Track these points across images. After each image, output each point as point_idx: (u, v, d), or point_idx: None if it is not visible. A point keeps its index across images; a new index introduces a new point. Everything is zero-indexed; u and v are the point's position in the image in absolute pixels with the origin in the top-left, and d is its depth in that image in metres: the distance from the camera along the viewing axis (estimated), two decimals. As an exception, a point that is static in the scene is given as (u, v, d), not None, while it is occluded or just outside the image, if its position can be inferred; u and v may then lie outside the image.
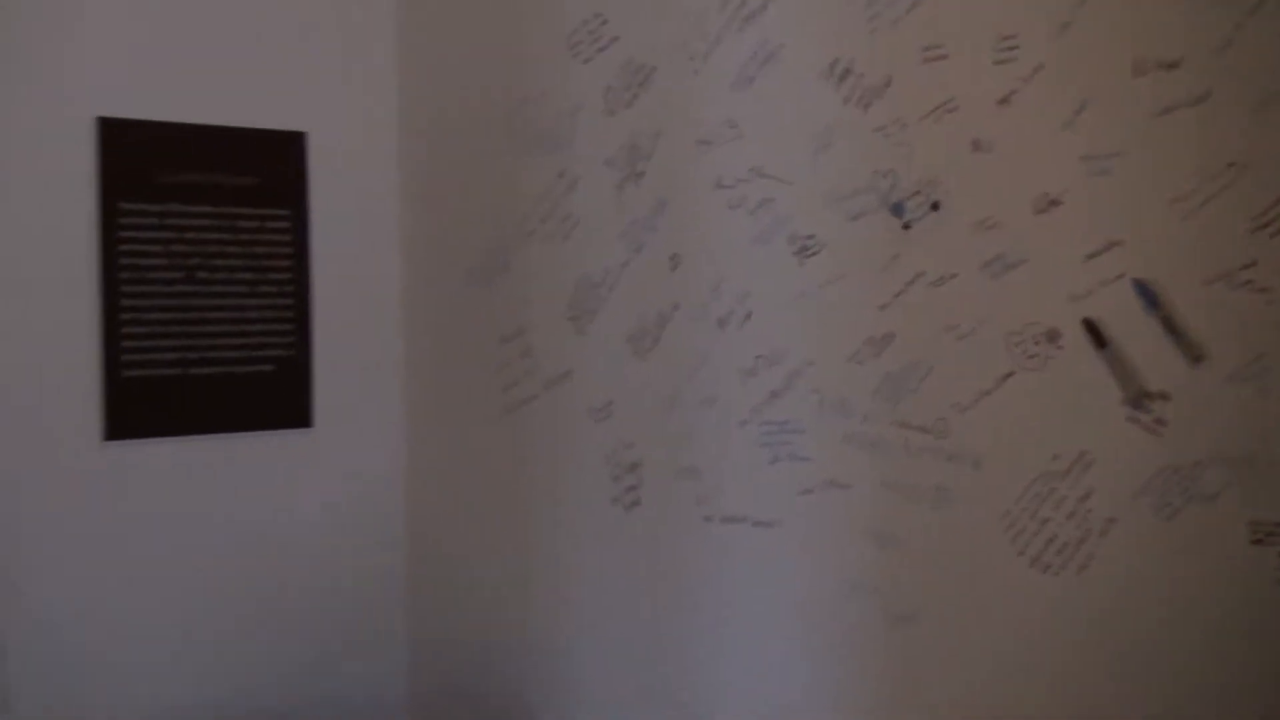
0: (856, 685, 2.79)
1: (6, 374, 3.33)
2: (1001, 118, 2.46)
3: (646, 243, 3.19)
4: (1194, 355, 2.20)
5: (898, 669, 2.71)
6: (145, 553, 3.53)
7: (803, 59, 2.83)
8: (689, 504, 3.12)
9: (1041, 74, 2.41)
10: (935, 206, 2.59)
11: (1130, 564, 2.29)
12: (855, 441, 2.75)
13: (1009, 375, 2.47)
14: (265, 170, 3.68)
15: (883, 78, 2.67)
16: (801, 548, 2.88)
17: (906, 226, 2.63)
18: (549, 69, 3.41)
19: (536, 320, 3.48)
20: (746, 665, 3.01)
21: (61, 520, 3.41)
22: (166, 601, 3.57)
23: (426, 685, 3.91)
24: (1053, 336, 2.40)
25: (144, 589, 3.53)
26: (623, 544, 3.29)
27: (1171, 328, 2.23)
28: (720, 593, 3.07)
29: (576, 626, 3.44)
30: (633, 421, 3.26)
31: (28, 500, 3.38)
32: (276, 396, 3.73)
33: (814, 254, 2.82)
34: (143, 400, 3.52)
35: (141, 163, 3.50)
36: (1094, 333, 2.34)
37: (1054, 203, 2.39)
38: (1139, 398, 2.28)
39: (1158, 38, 2.20)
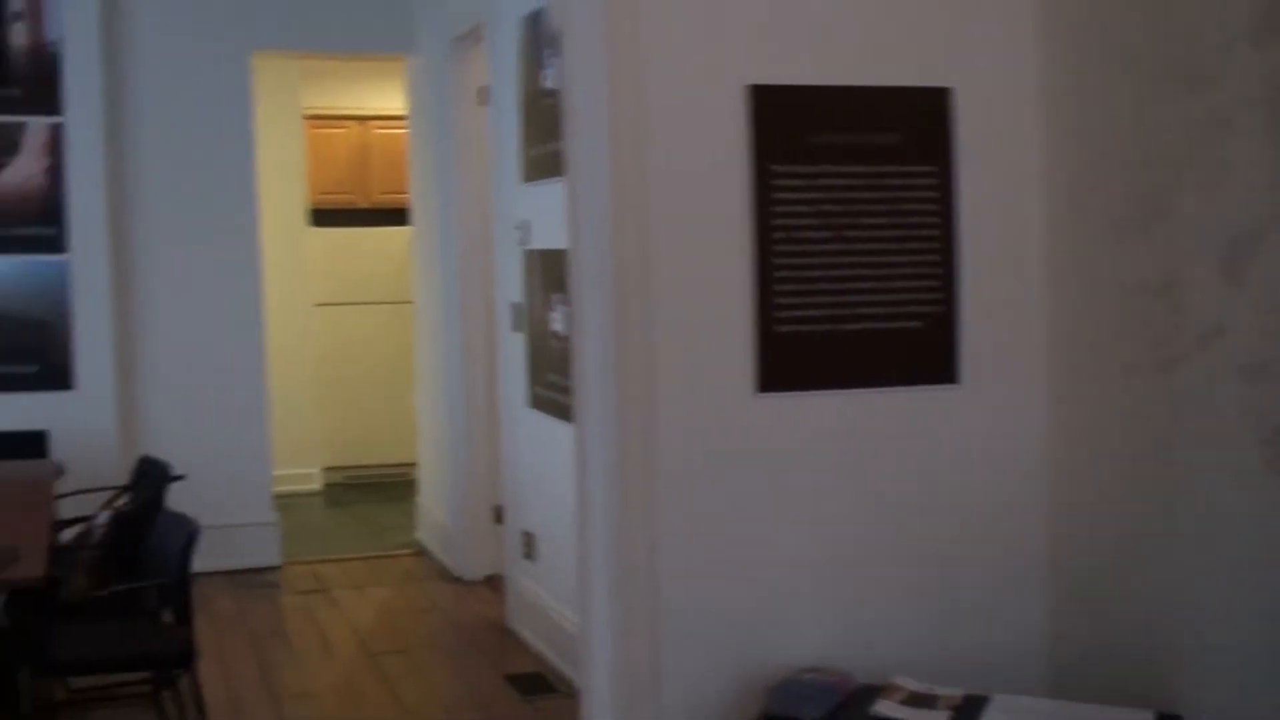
0: None
1: (672, 328, 3.56)
2: None
3: (1310, 187, 2.94)
4: None
5: None
6: (793, 501, 3.67)
7: None
8: (1351, 470, 2.85)
9: None
10: None
11: None
12: None
13: None
14: (910, 127, 3.71)
15: None
16: None
17: None
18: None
19: (1187, 273, 3.28)
20: None
21: (721, 467, 3.62)
22: (810, 548, 3.69)
23: (1066, 652, 3.75)
24: None
25: (791, 535, 3.68)
26: (1277, 512, 3.05)
27: None
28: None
29: (1227, 605, 3.21)
30: (1290, 381, 3.01)
31: (691, 446, 3.60)
32: (924, 352, 3.74)
33: None
34: (793, 354, 3.64)
35: (790, 126, 3.62)
36: None
37: None
38: None
39: None
